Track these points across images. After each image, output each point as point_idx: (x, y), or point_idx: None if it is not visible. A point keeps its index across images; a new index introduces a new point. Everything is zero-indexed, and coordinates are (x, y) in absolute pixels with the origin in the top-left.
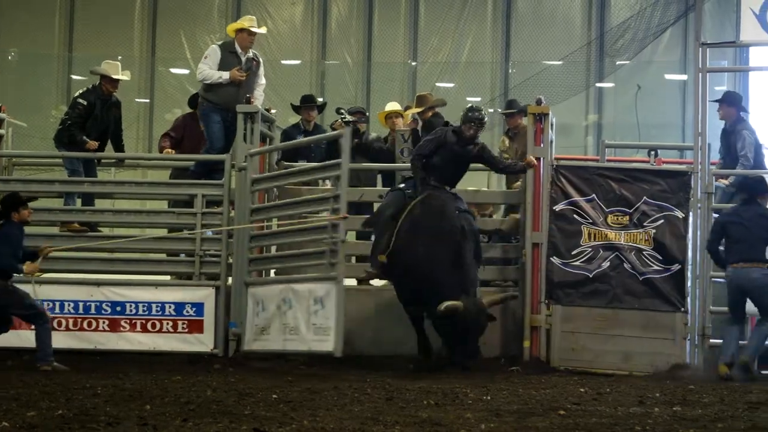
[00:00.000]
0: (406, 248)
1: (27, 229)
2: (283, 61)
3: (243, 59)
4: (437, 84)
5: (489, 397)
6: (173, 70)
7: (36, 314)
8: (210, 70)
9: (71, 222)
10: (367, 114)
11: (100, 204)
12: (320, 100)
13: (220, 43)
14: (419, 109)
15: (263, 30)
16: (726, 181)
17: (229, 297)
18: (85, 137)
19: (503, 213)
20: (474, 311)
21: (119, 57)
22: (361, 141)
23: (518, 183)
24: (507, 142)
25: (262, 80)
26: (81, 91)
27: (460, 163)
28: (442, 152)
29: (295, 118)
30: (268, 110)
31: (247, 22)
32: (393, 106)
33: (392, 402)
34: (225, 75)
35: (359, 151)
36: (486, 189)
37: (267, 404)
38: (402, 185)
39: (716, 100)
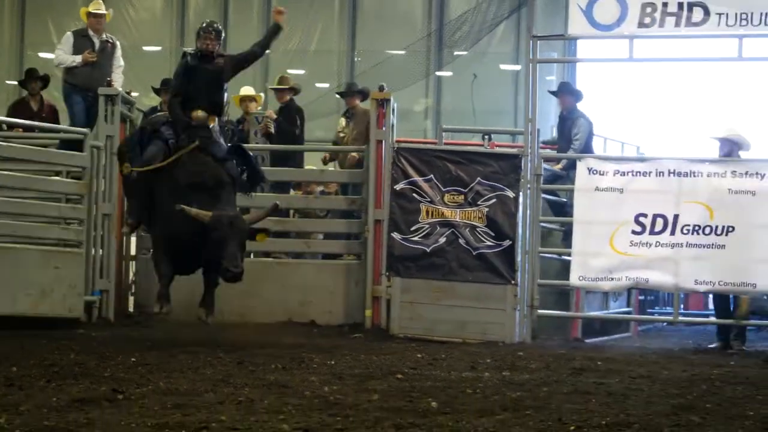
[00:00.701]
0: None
1: None
2: (145, 47)
3: (96, 42)
4: (288, 71)
5: (333, 362)
6: (41, 55)
7: None
8: (64, 55)
9: None
10: None
11: None
12: None
13: (74, 29)
14: (281, 87)
15: (104, 11)
16: (559, 165)
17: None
18: None
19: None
20: (225, 220)
21: None
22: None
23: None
24: (344, 122)
25: (120, 62)
26: None
27: (214, 82)
28: (192, 79)
29: (155, 101)
30: (128, 93)
31: (92, 6)
32: (247, 90)
33: (242, 366)
34: (77, 58)
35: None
36: (331, 168)
37: (126, 367)
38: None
39: (553, 92)
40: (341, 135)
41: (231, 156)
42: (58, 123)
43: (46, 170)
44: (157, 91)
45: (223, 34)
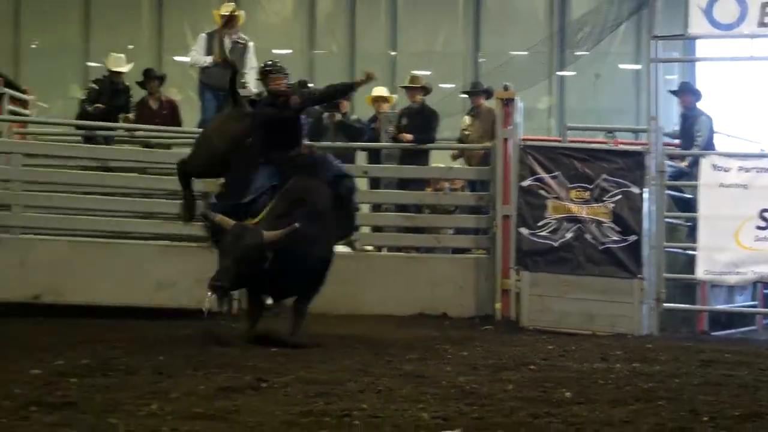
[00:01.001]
0: None
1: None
2: (274, 50)
3: (227, 42)
4: (414, 72)
5: (466, 353)
6: (177, 58)
7: None
8: (198, 55)
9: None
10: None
11: None
12: (311, 85)
13: (210, 30)
14: (412, 86)
15: (233, 11)
16: (684, 162)
17: None
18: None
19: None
20: (235, 232)
21: (130, 46)
22: (343, 120)
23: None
24: (468, 120)
25: (253, 63)
26: (95, 78)
27: (291, 126)
28: (269, 127)
29: None
30: (259, 94)
31: (223, 8)
32: (379, 91)
33: (379, 356)
34: (209, 59)
35: (341, 129)
36: (459, 166)
37: (267, 357)
38: None
39: (674, 91)
40: (466, 133)
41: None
42: (179, 118)
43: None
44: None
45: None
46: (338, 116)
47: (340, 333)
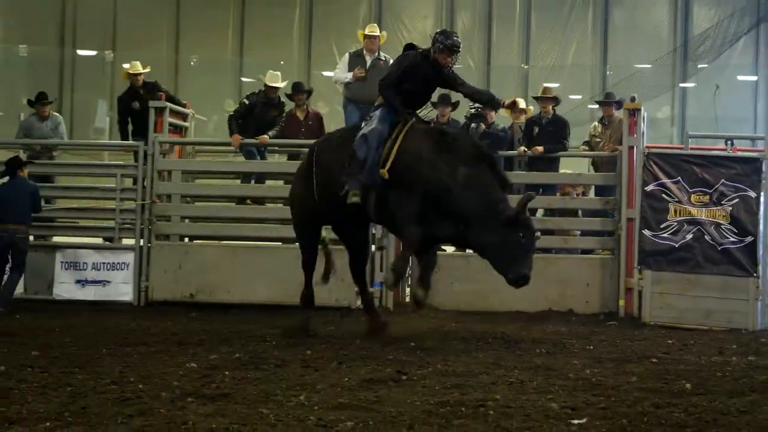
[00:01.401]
0: (420, 160)
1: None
2: None
3: (368, 60)
4: (545, 84)
5: (591, 347)
6: (325, 73)
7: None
8: (340, 73)
9: (245, 198)
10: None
11: None
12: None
13: (353, 50)
14: (544, 96)
15: (377, 33)
16: None
17: None
18: (235, 130)
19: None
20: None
21: (281, 62)
22: (488, 130)
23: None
24: (600, 128)
25: None
26: (249, 93)
27: (429, 89)
28: (412, 78)
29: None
30: None
31: (367, 29)
32: (519, 102)
33: (510, 350)
34: (349, 75)
35: (486, 138)
36: (587, 172)
37: (406, 351)
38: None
39: None
40: (597, 140)
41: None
42: (323, 129)
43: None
44: (434, 105)
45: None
46: (483, 127)
47: (475, 329)
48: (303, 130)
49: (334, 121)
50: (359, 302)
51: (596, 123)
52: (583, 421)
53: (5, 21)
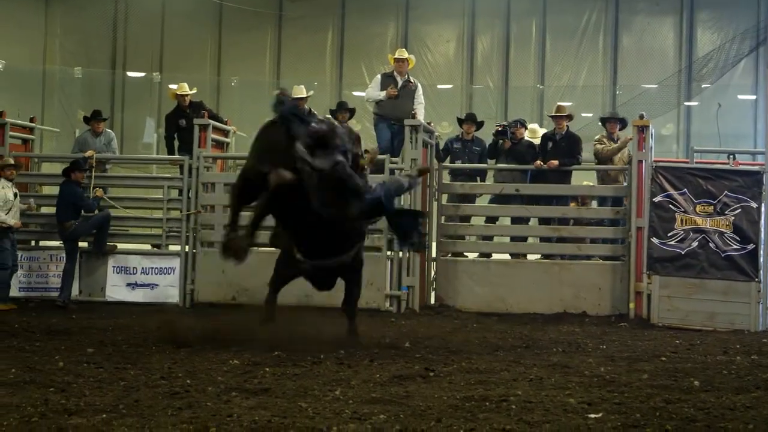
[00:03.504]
0: None
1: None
2: (439, 86)
3: (399, 81)
4: (559, 103)
5: (605, 346)
6: (355, 93)
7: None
8: (373, 92)
9: None
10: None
11: None
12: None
13: (384, 72)
14: (558, 114)
15: (406, 56)
16: None
17: None
18: None
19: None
20: None
21: (315, 83)
22: (515, 145)
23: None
24: (605, 140)
25: (421, 99)
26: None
27: None
28: None
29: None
30: (429, 124)
31: (397, 53)
32: (534, 127)
33: (529, 349)
34: (381, 94)
35: (510, 153)
36: (598, 185)
37: (433, 349)
38: None
39: None
40: (598, 147)
41: None
42: (360, 148)
43: None
44: (460, 122)
45: None
46: (509, 143)
47: (495, 329)
48: None
49: (364, 137)
50: (388, 304)
51: (601, 136)
52: (599, 415)
53: (63, 45)
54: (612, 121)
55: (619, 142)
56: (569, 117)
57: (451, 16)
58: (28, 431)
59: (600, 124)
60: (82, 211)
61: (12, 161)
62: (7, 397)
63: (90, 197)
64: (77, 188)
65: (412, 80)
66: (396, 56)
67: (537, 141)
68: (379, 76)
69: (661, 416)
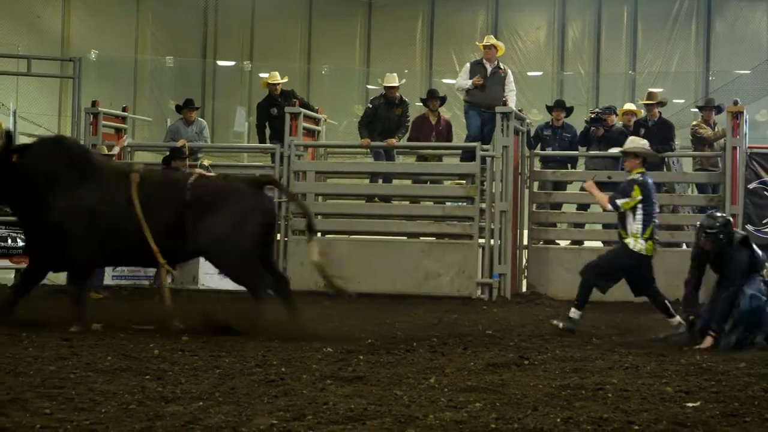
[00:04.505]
0: None
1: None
2: (529, 73)
3: (488, 68)
4: (650, 90)
5: None
6: (445, 80)
7: None
8: (462, 80)
9: (373, 196)
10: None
11: None
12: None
13: (473, 60)
14: (650, 102)
15: (494, 42)
16: None
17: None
18: (365, 134)
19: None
20: None
21: (405, 70)
22: (607, 132)
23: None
24: (704, 125)
25: (512, 86)
26: (372, 98)
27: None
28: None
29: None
30: (520, 111)
31: (485, 40)
32: (629, 106)
33: (623, 337)
34: (469, 82)
35: (603, 140)
36: (692, 172)
37: (526, 337)
38: None
39: None
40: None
41: None
42: (451, 135)
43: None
44: (549, 109)
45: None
46: (602, 130)
47: (588, 317)
48: (434, 134)
49: (455, 125)
50: (479, 292)
51: (699, 121)
52: (698, 404)
53: (154, 35)
54: (708, 109)
55: (718, 128)
56: (661, 104)
57: (542, 3)
58: (127, 418)
59: (696, 110)
60: None
61: (107, 150)
62: (105, 384)
63: None
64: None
65: (501, 67)
66: (484, 43)
67: (632, 119)
68: (468, 65)
69: (759, 405)
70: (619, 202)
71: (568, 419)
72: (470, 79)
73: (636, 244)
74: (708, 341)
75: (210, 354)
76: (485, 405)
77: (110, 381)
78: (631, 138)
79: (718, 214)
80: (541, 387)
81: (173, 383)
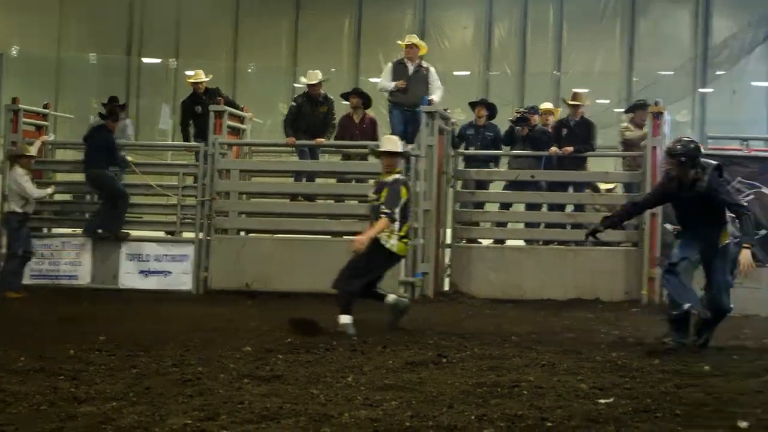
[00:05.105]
0: None
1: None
2: (455, 72)
3: (410, 68)
4: (575, 90)
5: (617, 332)
6: (372, 79)
7: None
8: (385, 82)
9: (297, 195)
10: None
11: None
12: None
13: (396, 59)
14: (576, 102)
15: (416, 41)
16: None
17: None
18: (290, 133)
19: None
20: None
21: (332, 69)
22: (530, 132)
23: None
24: (632, 127)
25: (437, 84)
26: (295, 96)
27: (696, 204)
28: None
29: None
30: (445, 110)
31: (406, 39)
32: (547, 105)
33: (542, 334)
34: (392, 84)
35: (527, 140)
36: (614, 171)
37: (445, 336)
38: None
39: None
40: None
41: None
42: (377, 133)
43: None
44: (472, 107)
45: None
46: (526, 130)
47: (509, 315)
48: (357, 132)
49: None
50: (402, 291)
51: (627, 123)
52: (611, 400)
53: (78, 31)
54: (641, 109)
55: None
56: (584, 104)
57: (469, 2)
58: (37, 419)
59: (624, 112)
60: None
61: (31, 151)
62: (17, 385)
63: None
64: (111, 135)
65: (423, 65)
66: (406, 42)
67: (552, 119)
68: (390, 64)
69: (671, 401)
70: (396, 210)
71: (483, 416)
72: (392, 78)
73: (390, 240)
74: (746, 254)
75: (127, 353)
76: (401, 403)
77: (23, 382)
78: (387, 137)
79: (686, 138)
80: (458, 385)
81: (87, 383)
